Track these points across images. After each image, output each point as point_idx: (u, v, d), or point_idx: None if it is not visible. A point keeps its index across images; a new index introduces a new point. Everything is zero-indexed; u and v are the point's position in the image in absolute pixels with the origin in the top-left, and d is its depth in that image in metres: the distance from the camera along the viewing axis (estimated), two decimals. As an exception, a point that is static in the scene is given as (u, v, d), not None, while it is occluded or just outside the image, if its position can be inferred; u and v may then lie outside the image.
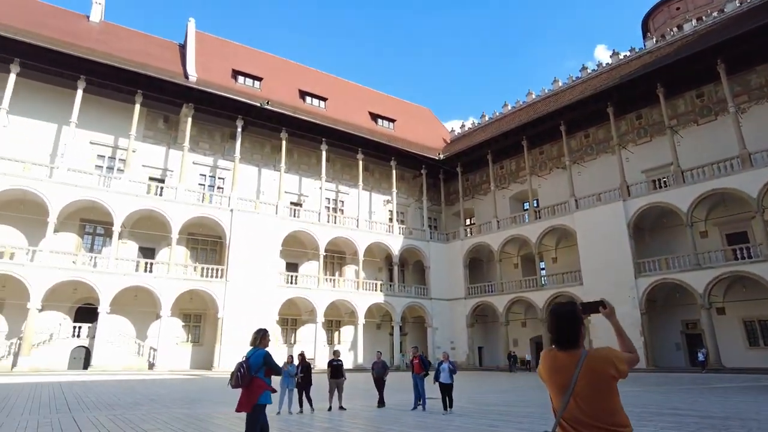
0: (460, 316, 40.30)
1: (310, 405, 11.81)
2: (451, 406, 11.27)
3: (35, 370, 25.36)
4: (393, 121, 46.12)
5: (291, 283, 34.83)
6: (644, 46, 38.02)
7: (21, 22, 30.41)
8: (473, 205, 45.14)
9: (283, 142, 36.63)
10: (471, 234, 41.69)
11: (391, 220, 41.98)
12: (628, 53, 38.20)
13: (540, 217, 36.97)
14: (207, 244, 34.44)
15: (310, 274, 36.55)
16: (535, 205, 38.97)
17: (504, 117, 46.01)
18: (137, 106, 31.97)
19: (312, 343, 34.44)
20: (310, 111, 39.59)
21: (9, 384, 18.82)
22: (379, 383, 12.94)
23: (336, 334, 38.99)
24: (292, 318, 36.54)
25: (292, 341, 36.63)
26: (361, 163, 40.10)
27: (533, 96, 44.91)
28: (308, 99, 41.81)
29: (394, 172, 41.61)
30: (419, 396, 12.41)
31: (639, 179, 32.47)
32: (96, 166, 32.09)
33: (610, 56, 39.34)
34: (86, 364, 27.22)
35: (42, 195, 27.50)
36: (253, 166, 37.64)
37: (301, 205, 38.31)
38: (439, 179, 45.01)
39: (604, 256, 31.59)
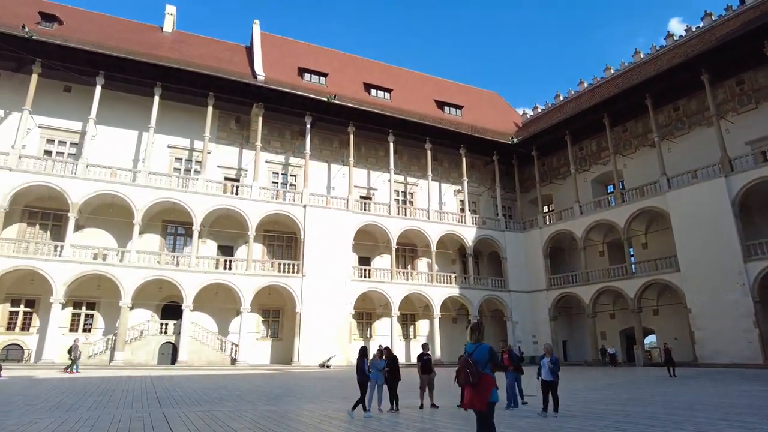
0: (541, 309, 38.21)
1: (396, 403, 10.95)
2: (555, 409, 9.94)
3: (129, 363, 26.61)
4: (460, 107, 44.55)
5: (364, 276, 34.49)
6: (742, 2, 33.90)
7: (103, 38, 32.06)
8: (551, 190, 42.67)
9: (351, 136, 36.32)
10: (551, 221, 39.38)
11: (462, 210, 40.53)
12: (724, 12, 34.24)
13: (627, 200, 34.14)
14: (282, 240, 34.88)
15: (383, 267, 36.06)
16: (621, 187, 36.07)
17: (581, 95, 43.07)
18: (210, 109, 32.80)
19: (388, 337, 33.88)
20: (376, 103, 39.00)
21: (107, 377, 19.65)
22: None
23: (411, 328, 38.24)
24: (366, 312, 36.21)
25: (368, 335, 36.29)
26: (429, 152, 39.01)
27: (612, 71, 41.68)
28: (373, 91, 41.24)
29: (464, 159, 40.16)
30: (515, 394, 11.30)
31: (743, 152, 28.91)
32: (174, 168, 33.35)
33: (702, 18, 35.48)
34: (173, 359, 28.25)
35: (127, 198, 28.87)
36: (322, 162, 37.66)
37: (370, 198, 37.90)
38: (513, 165, 42.92)
39: (704, 238, 28.50)
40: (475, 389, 5.11)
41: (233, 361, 29.55)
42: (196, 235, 30.14)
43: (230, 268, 30.69)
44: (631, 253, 35.33)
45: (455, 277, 37.59)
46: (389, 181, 37.63)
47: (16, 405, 11.32)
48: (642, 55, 39.24)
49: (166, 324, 29.21)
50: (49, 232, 29.49)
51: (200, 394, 14.01)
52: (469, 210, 40.09)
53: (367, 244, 36.15)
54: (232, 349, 30.13)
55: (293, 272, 31.97)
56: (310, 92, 35.34)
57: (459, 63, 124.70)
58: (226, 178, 33.99)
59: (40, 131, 30.63)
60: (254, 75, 35.91)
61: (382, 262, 37.18)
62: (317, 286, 31.78)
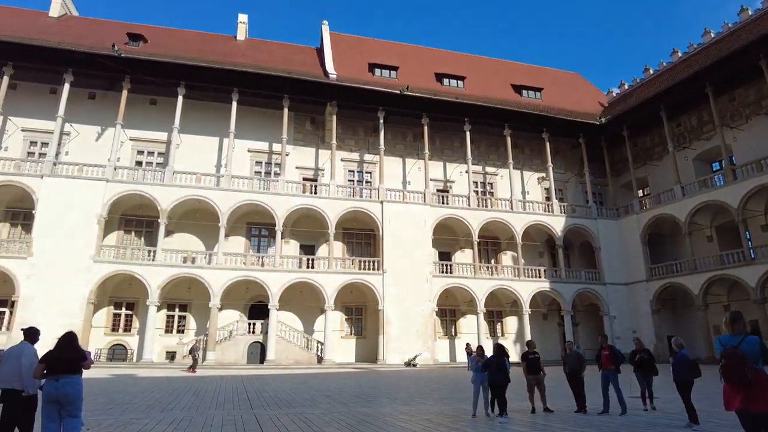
0: (641, 302, 34.92)
1: (504, 408, 9.68)
2: (690, 418, 8.23)
3: (220, 363, 27.26)
4: (539, 90, 41.97)
5: (446, 272, 33.26)
6: None
7: (182, 51, 33.37)
8: (646, 172, 38.96)
9: (425, 128, 35.25)
10: (648, 206, 35.91)
11: (548, 198, 38.10)
12: None
13: (740, 177, 30.22)
14: (361, 237, 34.55)
15: (465, 262, 34.64)
16: (731, 163, 32.04)
17: (674, 66, 38.96)
18: (285, 111, 33.13)
19: (474, 335, 32.47)
20: (449, 92, 37.60)
21: (199, 377, 20.01)
22: (575, 381, 10.27)
23: (499, 325, 36.45)
24: (450, 309, 34.94)
25: (453, 333, 35.03)
26: (508, 139, 36.99)
27: (711, 35, 37.31)
28: (446, 81, 39.80)
29: (547, 144, 37.70)
30: (618, 398, 9.67)
31: None
32: (255, 171, 34.04)
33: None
34: (262, 359, 28.63)
35: (212, 202, 29.72)
36: (396, 157, 36.90)
37: (448, 191, 36.56)
38: (601, 147, 39.68)
39: None
40: (755, 388, 4.40)
41: (319, 359, 29.49)
42: (278, 235, 30.45)
43: (312, 267, 30.73)
44: (748, 236, 31.26)
45: (544, 270, 35.32)
46: (467, 172, 36.09)
47: (117, 403, 11.39)
48: (750, 13, 34.74)
49: (254, 324, 29.71)
50: (143, 239, 31.06)
51: (290, 395, 13.57)
52: (556, 198, 37.56)
53: (447, 239, 34.87)
54: (317, 347, 30.13)
55: (373, 269, 31.45)
56: (381, 87, 34.73)
57: (535, 46, 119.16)
58: (305, 179, 34.18)
59: (132, 143, 32.44)
60: (326, 74, 35.84)
61: (464, 257, 35.75)
62: (398, 282, 31.03)
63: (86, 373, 6.39)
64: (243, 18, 41.41)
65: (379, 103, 34.47)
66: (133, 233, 31.23)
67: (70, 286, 25.93)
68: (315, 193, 32.21)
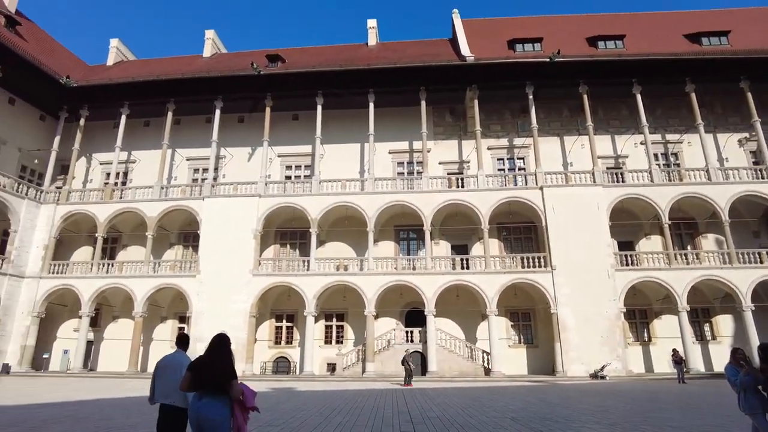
0: None
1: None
2: None
3: (381, 375, 25.53)
4: (725, 33, 33.73)
5: (630, 264, 27.62)
6: None
7: (317, 63, 33.31)
8: None
9: (584, 97, 30.31)
10: None
11: (757, 162, 30.08)
12: None
13: None
14: (519, 232, 30.64)
15: (652, 250, 28.59)
16: None
17: None
18: (423, 104, 31.16)
19: (677, 340, 26.31)
20: (606, 55, 32.07)
21: (359, 390, 18.28)
22: None
23: (706, 326, 29.27)
24: (639, 309, 28.99)
25: (646, 338, 28.98)
26: (693, 96, 30.08)
27: None
28: (600, 44, 34.02)
29: (749, 95, 29.86)
30: None
31: None
32: (398, 172, 32.52)
33: None
34: (423, 370, 26.31)
35: (358, 207, 28.71)
36: (551, 136, 32.39)
37: (620, 168, 30.86)
38: (833, 87, 30.36)
39: None
40: None
41: (486, 371, 26.22)
42: (428, 235, 28.19)
43: (467, 268, 27.77)
44: None
45: (766, 252, 27.49)
46: (642, 143, 30.16)
47: (260, 424, 9.70)
48: None
49: (411, 332, 27.69)
50: (297, 250, 31.23)
51: (463, 416, 10.73)
52: (770, 160, 29.44)
53: (627, 224, 29.11)
54: (483, 357, 26.92)
55: (539, 266, 27.33)
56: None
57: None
58: (449, 173, 31.62)
59: (280, 159, 33.26)
60: (461, 59, 33.03)
61: (650, 245, 29.69)
62: (572, 280, 26.46)
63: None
64: (372, 23, 40.82)
65: (524, 78, 30.61)
66: (288, 245, 31.64)
67: (233, 301, 26.73)
68: (462, 186, 29.38)
